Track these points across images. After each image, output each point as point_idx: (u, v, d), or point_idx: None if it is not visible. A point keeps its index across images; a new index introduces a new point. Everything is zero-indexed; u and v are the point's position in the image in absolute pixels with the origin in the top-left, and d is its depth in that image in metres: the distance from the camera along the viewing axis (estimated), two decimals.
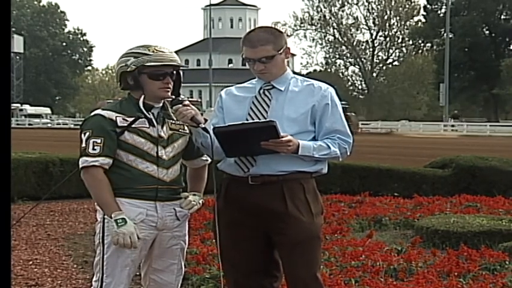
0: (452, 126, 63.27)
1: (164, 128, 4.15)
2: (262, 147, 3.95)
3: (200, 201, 4.29)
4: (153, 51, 4.10)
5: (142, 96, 4.11)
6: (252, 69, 4.14)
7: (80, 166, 4.06)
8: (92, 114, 4.13)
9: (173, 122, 4.20)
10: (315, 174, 4.16)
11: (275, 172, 4.05)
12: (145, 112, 4.10)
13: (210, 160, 4.40)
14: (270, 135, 3.93)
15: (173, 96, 4.14)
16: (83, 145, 4.05)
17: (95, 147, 4.02)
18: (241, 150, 4.04)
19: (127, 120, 4.07)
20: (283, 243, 4.08)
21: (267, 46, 4.06)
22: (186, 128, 4.25)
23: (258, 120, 4.02)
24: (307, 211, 4.08)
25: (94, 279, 4.14)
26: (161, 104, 4.17)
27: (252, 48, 4.08)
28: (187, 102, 4.05)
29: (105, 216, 4.05)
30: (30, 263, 7.62)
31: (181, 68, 4.18)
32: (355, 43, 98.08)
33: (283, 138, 3.94)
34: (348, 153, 4.17)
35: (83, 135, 4.07)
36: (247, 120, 4.07)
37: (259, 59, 4.07)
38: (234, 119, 4.08)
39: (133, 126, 4.07)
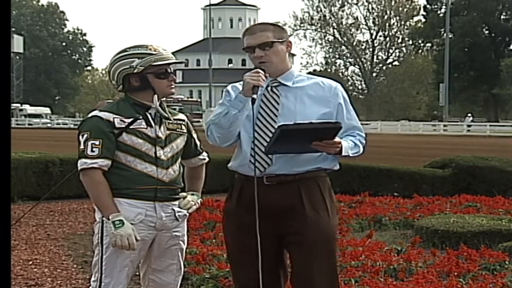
0: (469, 126, 62.81)
1: (162, 128, 4.15)
2: (311, 147, 3.88)
3: (199, 201, 4.28)
4: (154, 50, 4.11)
5: (156, 96, 4.12)
6: (252, 59, 4.08)
7: (79, 168, 4.05)
8: (89, 115, 4.12)
9: (170, 121, 4.20)
10: (328, 170, 4.11)
11: (291, 171, 3.99)
12: (162, 112, 4.12)
13: (207, 159, 4.41)
14: (328, 136, 3.87)
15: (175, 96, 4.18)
16: (81, 147, 4.05)
17: (94, 149, 4.02)
18: (288, 148, 3.92)
19: (124, 122, 4.07)
20: (299, 244, 3.98)
21: (266, 33, 4.04)
22: (183, 127, 4.26)
23: (326, 121, 3.95)
24: (324, 210, 4.02)
25: (92, 279, 4.14)
26: (158, 104, 4.17)
27: (251, 35, 4.06)
28: (260, 70, 3.96)
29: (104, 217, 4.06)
30: (30, 263, 7.62)
31: (177, 64, 4.24)
32: (355, 43, 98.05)
33: (335, 140, 3.90)
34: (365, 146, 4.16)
35: (81, 136, 4.06)
36: (258, 118, 4.00)
37: (258, 44, 4.02)
38: (246, 117, 3.99)
39: (131, 127, 4.07)
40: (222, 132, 3.99)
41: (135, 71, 4.08)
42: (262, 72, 3.95)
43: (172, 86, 4.16)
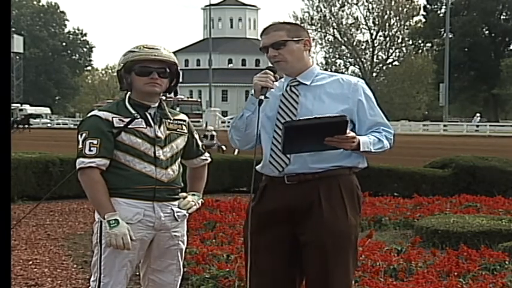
0: (478, 126, 62.52)
1: (161, 128, 4.14)
2: (325, 143, 3.83)
3: (199, 202, 4.27)
4: (139, 49, 4.10)
5: (129, 93, 4.11)
6: (268, 58, 4.06)
7: (77, 167, 4.06)
8: (89, 115, 4.13)
9: (170, 121, 4.19)
10: (353, 169, 4.04)
11: (310, 170, 3.95)
12: (130, 109, 4.08)
13: (209, 160, 4.40)
14: (338, 131, 3.81)
15: (168, 94, 4.15)
16: (80, 146, 4.05)
17: (92, 148, 4.02)
18: (303, 146, 3.88)
19: (123, 121, 4.06)
20: (314, 245, 3.93)
21: (279, 32, 4.02)
22: (184, 127, 4.25)
23: (331, 115, 3.88)
24: (342, 210, 3.95)
25: (92, 279, 4.14)
26: (157, 104, 4.16)
27: (266, 35, 4.05)
28: (269, 71, 3.95)
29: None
30: (30, 263, 7.62)
31: (172, 65, 4.14)
32: (355, 43, 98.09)
33: (348, 135, 3.85)
34: (392, 144, 4.09)
35: (79, 136, 4.07)
36: (277, 118, 3.98)
37: (271, 44, 4.01)
38: (266, 117, 4.00)
39: (129, 126, 4.06)
40: (239, 135, 4.02)
41: (119, 69, 4.11)
42: (271, 73, 3.93)
43: (154, 84, 4.07)
